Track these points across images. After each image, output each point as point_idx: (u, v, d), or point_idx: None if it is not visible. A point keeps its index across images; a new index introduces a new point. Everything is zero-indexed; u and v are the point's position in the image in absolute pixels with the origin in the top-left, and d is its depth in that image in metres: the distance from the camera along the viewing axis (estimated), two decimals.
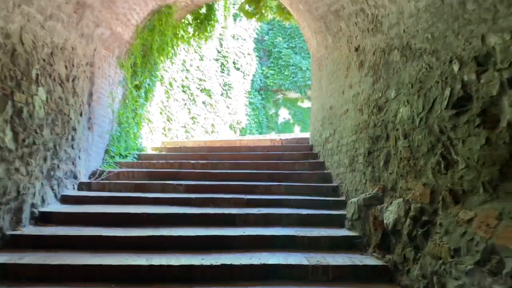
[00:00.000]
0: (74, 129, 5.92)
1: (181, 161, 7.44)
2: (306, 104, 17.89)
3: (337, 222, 4.80)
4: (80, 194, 5.59)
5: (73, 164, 5.93)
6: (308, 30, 7.23)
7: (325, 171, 6.35)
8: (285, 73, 17.63)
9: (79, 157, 6.16)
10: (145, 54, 9.19)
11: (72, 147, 5.89)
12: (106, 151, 7.63)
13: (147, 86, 9.43)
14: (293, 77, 17.61)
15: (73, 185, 6.01)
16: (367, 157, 4.61)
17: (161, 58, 9.98)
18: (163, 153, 8.67)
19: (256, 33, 17.36)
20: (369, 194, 4.26)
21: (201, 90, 13.07)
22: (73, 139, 5.89)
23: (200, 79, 13.06)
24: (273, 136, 13.66)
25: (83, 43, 6.27)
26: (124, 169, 7.06)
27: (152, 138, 10.05)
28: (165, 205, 5.28)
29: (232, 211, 4.87)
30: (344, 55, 5.70)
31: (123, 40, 7.96)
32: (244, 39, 16.30)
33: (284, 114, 18.14)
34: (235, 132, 15.17)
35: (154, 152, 8.93)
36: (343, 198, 5.43)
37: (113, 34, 7.37)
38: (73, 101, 5.85)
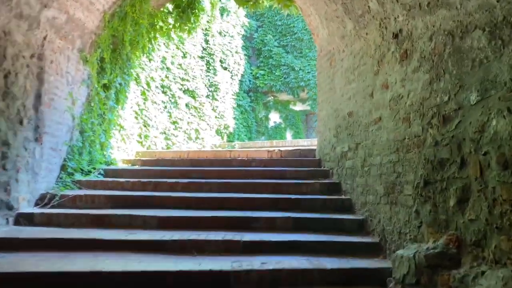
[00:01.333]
0: (6, 144, 4.35)
1: (157, 180, 5.91)
2: (298, 107, 16.50)
3: (376, 280, 3.36)
4: (10, 236, 4.01)
5: (5, 191, 4.35)
6: (317, 18, 5.80)
7: (344, 197, 4.90)
8: (276, 73, 16.23)
9: (16, 179, 4.58)
10: (115, 48, 7.65)
11: (4, 168, 4.31)
12: (63, 167, 6.07)
13: (118, 86, 7.89)
14: (284, 78, 16.20)
15: (7, 219, 4.43)
16: (423, 189, 3.17)
17: (136, 53, 8.45)
18: (136, 167, 7.12)
19: (245, 30, 15.91)
20: (434, 248, 2.82)
21: (184, 91, 11.56)
22: (4, 157, 4.31)
23: (183, 79, 11.55)
24: (268, 144, 12.20)
25: (24, 28, 4.71)
26: (83, 191, 5.51)
27: (125, 148, 8.48)
28: (128, 252, 3.74)
29: (224, 266, 3.36)
30: (373, 45, 4.27)
31: (87, 29, 6.41)
32: (232, 36, 14.83)
33: (275, 117, 16.72)
34: (222, 137, 13.67)
35: (125, 166, 7.37)
36: (376, 239, 3.98)
37: (72, 20, 5.82)
38: (3, 105, 4.28)
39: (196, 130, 11.77)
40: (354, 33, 4.74)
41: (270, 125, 16.65)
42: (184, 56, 11.72)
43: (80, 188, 5.85)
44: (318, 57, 6.43)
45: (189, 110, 11.67)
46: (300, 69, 15.91)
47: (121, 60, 7.89)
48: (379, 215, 3.99)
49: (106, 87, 7.49)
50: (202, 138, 12.00)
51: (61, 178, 5.94)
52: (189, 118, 11.55)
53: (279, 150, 6.94)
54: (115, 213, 4.64)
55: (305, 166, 6.12)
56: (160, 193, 5.36)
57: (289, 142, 12.11)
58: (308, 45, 16.00)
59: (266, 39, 16.51)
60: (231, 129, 14.00)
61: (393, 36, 3.81)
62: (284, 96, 16.34)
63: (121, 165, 7.51)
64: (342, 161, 5.11)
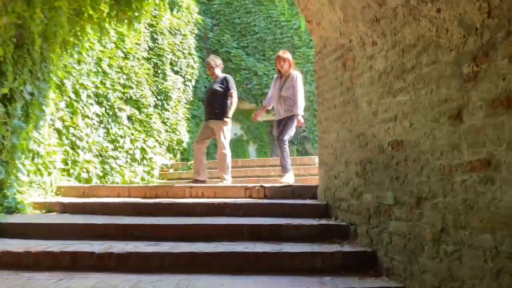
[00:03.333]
0: None
1: (78, 245, 3.74)
2: (263, 117, 14.56)
3: None
4: None
5: None
6: None
7: (391, 285, 2.97)
8: (236, 79, 14.17)
9: None
10: (22, 43, 5.40)
11: None
12: None
13: (28, 96, 5.62)
14: (246, 84, 14.25)
15: None
16: None
17: (56, 50, 6.19)
18: (52, 217, 4.85)
19: (198, 29, 13.81)
20: None
21: (125, 101, 9.27)
22: None
23: (125, 86, 9.27)
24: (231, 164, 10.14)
25: None
26: None
27: (41, 182, 6.12)
28: None
29: None
30: (455, 30, 2.40)
31: None
32: (184, 35, 12.68)
33: (235, 129, 14.68)
34: (175, 155, 11.46)
35: (35, 216, 5.06)
36: None
37: None
38: None
39: (142, 149, 9.48)
40: (403, 12, 2.86)
41: (230, 137, 14.58)
42: (125, 58, 9.43)
43: None
44: (317, 55, 4.52)
45: (132, 124, 9.38)
46: (264, 74, 14.02)
47: (32, 60, 5.62)
48: None
49: (7, 99, 5.21)
50: (150, 159, 9.74)
51: None
52: (132, 134, 9.26)
53: (261, 186, 4.94)
54: None
55: (307, 215, 4.17)
56: (78, 278, 3.18)
57: (258, 161, 10.16)
58: (272, 46, 14.18)
59: (223, 40, 14.49)
60: (185, 145, 11.81)
61: None
62: (245, 105, 14.35)
63: (30, 213, 5.18)
64: (380, 218, 3.20)
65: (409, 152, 2.85)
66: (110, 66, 8.72)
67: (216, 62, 6.85)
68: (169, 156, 11.18)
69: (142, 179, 9.49)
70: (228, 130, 6.76)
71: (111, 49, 8.86)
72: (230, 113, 6.70)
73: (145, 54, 10.48)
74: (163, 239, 3.90)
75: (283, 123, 6.35)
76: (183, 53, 12.45)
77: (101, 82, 8.43)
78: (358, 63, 3.57)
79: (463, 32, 2.36)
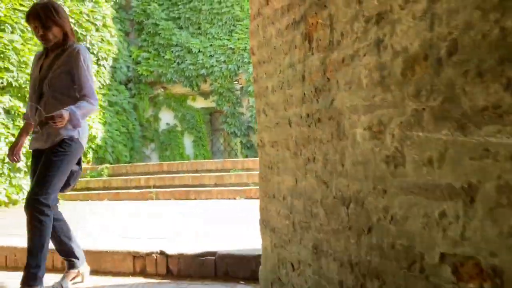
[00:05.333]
0: None
1: None
2: (199, 103, 12.37)
3: None
4: None
5: None
6: None
7: None
8: (166, 56, 11.90)
9: None
10: None
11: None
12: None
13: None
14: (178, 63, 11.94)
15: None
16: None
17: None
18: None
19: None
20: None
21: (2, 89, 6.75)
22: None
23: (3, 69, 6.74)
24: (155, 168, 7.91)
25: None
26: None
27: None
28: None
29: None
30: None
31: None
32: (97, 2, 10.12)
33: (167, 117, 12.42)
34: (85, 155, 9.05)
35: None
36: None
37: None
38: None
39: None
40: None
41: (161, 128, 12.32)
42: (2, 28, 6.87)
43: None
44: (254, 20, 2.41)
45: (13, 121, 6.89)
46: (199, 51, 11.74)
47: None
48: None
49: None
50: None
51: None
52: (13, 135, 6.80)
53: (161, 253, 2.87)
54: None
55: None
56: None
57: (189, 165, 8.07)
58: (209, 18, 11.89)
59: (149, 9, 12.00)
60: (98, 141, 9.41)
61: None
62: (178, 89, 12.10)
63: None
64: None
65: None
66: None
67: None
68: None
69: None
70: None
71: None
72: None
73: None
74: None
75: (45, 161, 2.62)
76: (95, 24, 9.89)
77: None
78: (343, 34, 1.54)
79: None
